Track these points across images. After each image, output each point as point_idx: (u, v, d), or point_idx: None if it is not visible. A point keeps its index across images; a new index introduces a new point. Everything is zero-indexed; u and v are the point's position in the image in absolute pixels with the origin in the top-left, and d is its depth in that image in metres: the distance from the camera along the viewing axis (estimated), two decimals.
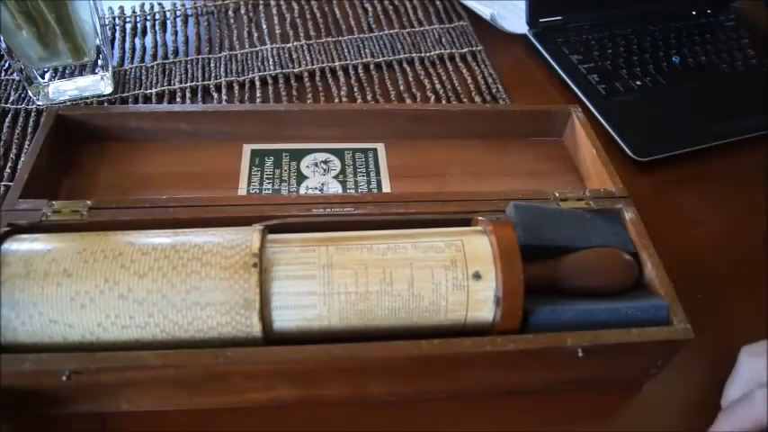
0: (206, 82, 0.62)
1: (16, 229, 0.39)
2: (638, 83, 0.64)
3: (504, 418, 0.41)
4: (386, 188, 0.50)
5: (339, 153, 0.52)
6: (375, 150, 0.52)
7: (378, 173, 0.50)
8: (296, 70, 0.64)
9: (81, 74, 0.58)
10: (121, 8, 0.70)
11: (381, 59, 0.66)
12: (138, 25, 0.68)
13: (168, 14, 0.70)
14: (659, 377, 0.42)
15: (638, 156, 0.57)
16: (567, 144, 0.55)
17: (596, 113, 0.61)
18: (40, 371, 0.34)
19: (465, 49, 0.68)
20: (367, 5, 0.73)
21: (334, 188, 0.49)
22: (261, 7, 0.72)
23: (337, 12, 0.72)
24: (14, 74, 0.60)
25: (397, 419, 0.40)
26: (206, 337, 0.36)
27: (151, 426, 0.39)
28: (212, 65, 0.64)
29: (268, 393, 0.39)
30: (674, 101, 0.64)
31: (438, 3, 0.75)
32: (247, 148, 0.51)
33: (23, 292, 0.35)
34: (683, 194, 0.57)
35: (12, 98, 0.59)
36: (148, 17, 0.70)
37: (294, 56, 0.66)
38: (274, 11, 0.72)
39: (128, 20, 0.69)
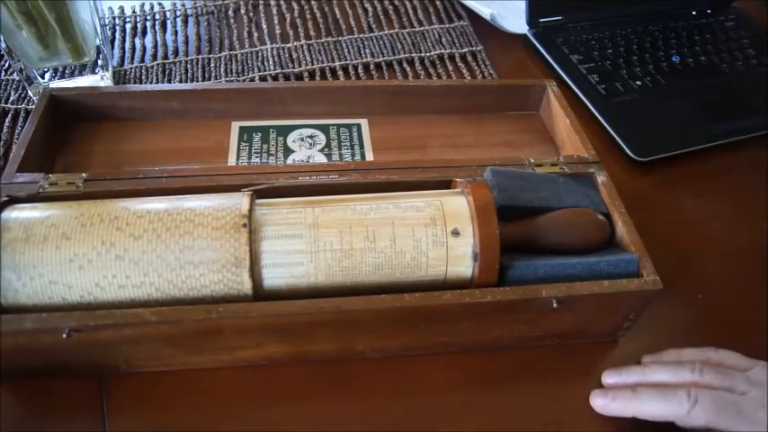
0: (206, 82, 0.62)
1: (14, 200, 0.41)
2: (638, 83, 0.64)
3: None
4: (369, 160, 0.52)
5: (324, 128, 0.54)
6: (359, 125, 0.54)
7: (361, 146, 0.52)
8: (296, 70, 0.64)
9: (81, 74, 0.58)
10: (121, 8, 0.71)
11: (381, 59, 0.66)
12: (138, 25, 0.69)
13: (168, 14, 0.71)
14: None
15: (638, 156, 0.57)
16: (544, 117, 0.57)
17: (596, 113, 0.61)
18: (41, 329, 0.36)
19: (465, 49, 0.69)
20: (367, 5, 0.74)
21: (320, 160, 0.51)
22: (261, 7, 0.73)
23: (337, 12, 0.73)
24: (14, 74, 0.60)
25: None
26: (199, 295, 0.38)
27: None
28: (212, 65, 0.64)
29: (259, 351, 0.41)
30: (674, 101, 0.63)
31: (438, 3, 0.75)
32: (236, 125, 0.53)
33: (24, 255, 0.36)
34: (683, 194, 0.56)
35: (12, 98, 0.59)
36: (148, 17, 0.70)
37: (294, 56, 0.66)
38: (274, 11, 0.72)
39: (128, 20, 0.70)
